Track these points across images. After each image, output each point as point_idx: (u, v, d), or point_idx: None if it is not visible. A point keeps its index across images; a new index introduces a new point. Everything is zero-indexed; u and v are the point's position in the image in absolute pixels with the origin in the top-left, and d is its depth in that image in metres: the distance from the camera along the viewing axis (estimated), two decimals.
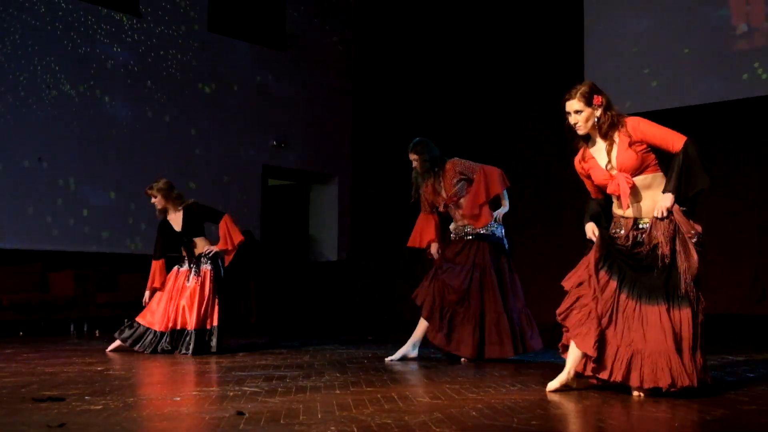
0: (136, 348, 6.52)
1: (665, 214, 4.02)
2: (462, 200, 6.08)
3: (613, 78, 10.62)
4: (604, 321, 4.09)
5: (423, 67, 12.63)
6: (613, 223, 4.28)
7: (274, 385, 4.49)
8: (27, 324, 8.94)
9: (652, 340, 3.99)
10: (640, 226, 4.16)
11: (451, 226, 6.26)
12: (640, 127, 4.12)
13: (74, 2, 10.15)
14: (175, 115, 11.08)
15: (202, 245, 6.68)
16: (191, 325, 6.44)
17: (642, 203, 4.15)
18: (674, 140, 4.08)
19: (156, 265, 6.72)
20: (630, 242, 4.17)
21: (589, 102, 4.14)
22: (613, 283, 4.13)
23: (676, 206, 4.04)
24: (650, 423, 3.50)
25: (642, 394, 4.09)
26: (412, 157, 6.18)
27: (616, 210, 4.26)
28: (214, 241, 6.82)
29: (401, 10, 12.98)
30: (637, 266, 4.13)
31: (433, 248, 6.26)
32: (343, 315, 12.41)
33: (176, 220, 6.71)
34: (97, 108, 10.29)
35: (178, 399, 4.00)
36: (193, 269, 6.61)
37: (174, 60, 11.13)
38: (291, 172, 12.76)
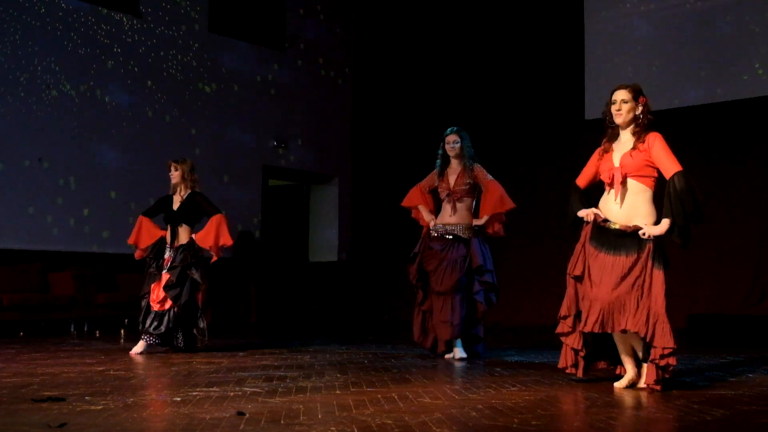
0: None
1: (648, 237, 4.36)
2: (464, 199, 6.32)
3: (613, 78, 10.55)
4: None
5: (423, 67, 12.63)
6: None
7: (275, 386, 4.49)
8: (27, 324, 8.94)
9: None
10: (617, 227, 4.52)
11: (432, 224, 6.38)
12: (654, 143, 4.49)
13: (74, 2, 10.14)
14: (175, 115, 11.08)
15: (184, 236, 6.67)
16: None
17: (624, 209, 4.49)
18: (669, 167, 4.42)
19: (140, 219, 6.83)
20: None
21: (635, 98, 4.57)
22: (603, 254, 4.49)
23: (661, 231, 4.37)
24: (650, 423, 3.50)
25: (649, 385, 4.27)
26: (455, 138, 6.32)
27: (607, 202, 4.60)
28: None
29: (401, 10, 12.99)
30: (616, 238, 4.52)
31: (424, 214, 6.47)
32: (343, 315, 12.40)
33: (178, 201, 6.78)
34: (97, 108, 10.29)
35: (178, 399, 4.00)
36: (170, 256, 6.64)
37: (174, 60, 11.13)
38: (291, 172, 12.75)
